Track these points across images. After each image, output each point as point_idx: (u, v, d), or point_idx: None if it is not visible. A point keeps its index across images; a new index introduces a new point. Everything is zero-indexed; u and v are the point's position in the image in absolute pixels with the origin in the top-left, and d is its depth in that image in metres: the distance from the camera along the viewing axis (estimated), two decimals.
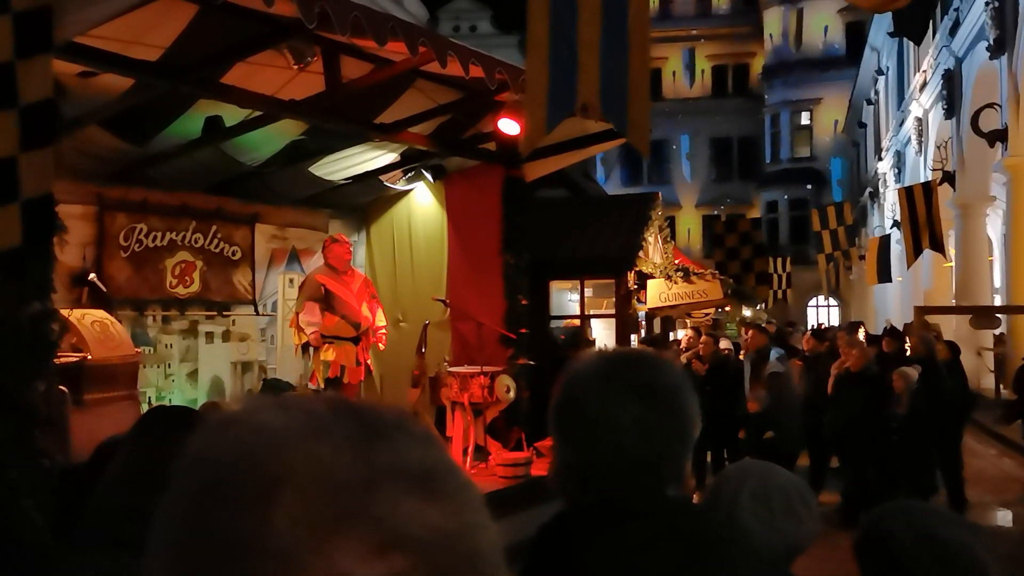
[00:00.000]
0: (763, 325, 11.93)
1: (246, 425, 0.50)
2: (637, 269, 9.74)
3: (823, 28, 34.36)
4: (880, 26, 23.63)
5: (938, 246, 14.32)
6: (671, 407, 1.26)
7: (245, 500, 0.47)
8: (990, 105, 14.17)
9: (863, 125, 31.58)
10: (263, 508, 0.46)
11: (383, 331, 7.73)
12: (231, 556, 0.46)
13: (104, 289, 6.89)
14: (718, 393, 8.34)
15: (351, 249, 7.79)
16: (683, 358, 9.00)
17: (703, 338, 9.44)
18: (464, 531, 0.49)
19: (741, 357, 10.25)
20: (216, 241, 8.11)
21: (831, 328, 17.78)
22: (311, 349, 7.44)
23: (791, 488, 1.78)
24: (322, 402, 0.53)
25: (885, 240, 19.01)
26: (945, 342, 9.13)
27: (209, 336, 8.12)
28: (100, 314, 6.17)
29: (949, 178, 16.41)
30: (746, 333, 9.85)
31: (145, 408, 6.02)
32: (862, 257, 22.55)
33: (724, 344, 10.45)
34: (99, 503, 1.57)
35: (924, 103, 19.95)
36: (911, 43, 18.76)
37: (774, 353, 8.47)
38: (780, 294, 22.52)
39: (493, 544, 0.51)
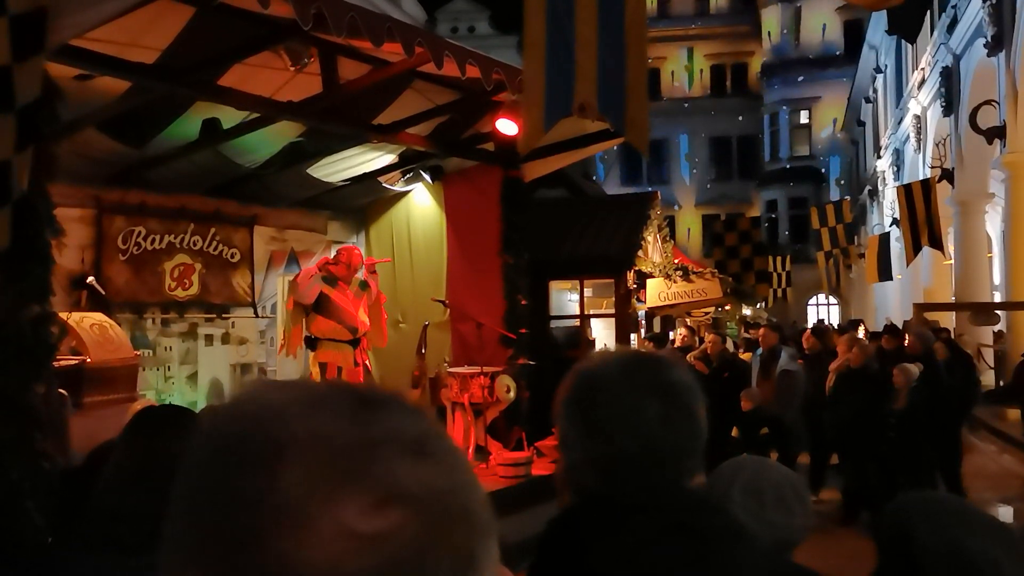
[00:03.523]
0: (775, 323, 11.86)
1: (251, 401, 0.55)
2: (636, 268, 9.74)
3: (821, 26, 34.36)
4: (878, 24, 23.62)
5: (937, 244, 14.33)
6: (687, 405, 1.29)
7: (254, 463, 0.51)
8: (988, 102, 14.16)
9: (862, 123, 31.58)
10: (271, 469, 0.50)
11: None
12: (244, 513, 0.50)
13: (103, 292, 6.89)
14: (725, 393, 8.32)
15: (357, 272, 7.54)
16: (688, 358, 8.95)
17: (710, 337, 9.38)
18: (456, 488, 0.53)
19: (742, 356, 10.24)
20: (215, 243, 8.11)
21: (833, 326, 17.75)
22: (307, 352, 7.46)
23: (784, 482, 1.78)
24: (323, 382, 0.59)
25: (884, 238, 19.01)
26: (945, 340, 9.13)
27: (208, 338, 8.12)
28: (99, 317, 6.17)
29: (948, 175, 16.40)
30: (757, 331, 9.80)
31: None
32: (862, 255, 22.54)
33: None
34: (95, 504, 1.57)
35: (922, 101, 19.94)
36: (907, 42, 18.75)
37: (785, 352, 8.47)
38: (780, 293, 22.50)
39: (483, 502, 0.55)
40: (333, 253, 7.69)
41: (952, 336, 10.89)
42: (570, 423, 1.31)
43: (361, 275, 7.63)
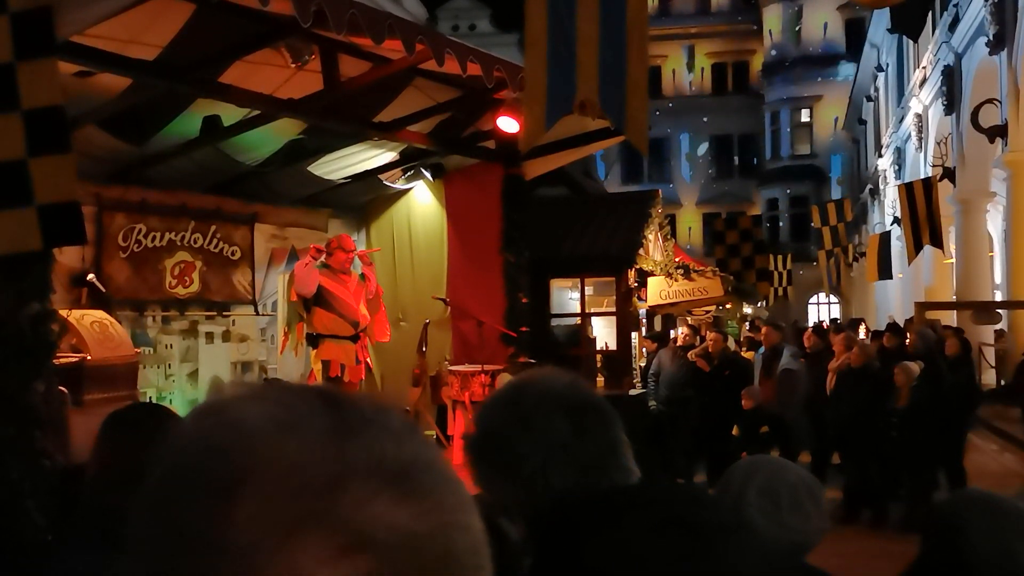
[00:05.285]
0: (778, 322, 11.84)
1: (219, 417, 0.49)
2: (637, 267, 9.73)
3: (823, 25, 34.31)
4: (880, 22, 23.59)
5: (938, 242, 14.30)
6: (584, 399, 1.26)
7: (207, 494, 0.46)
8: (990, 101, 14.12)
9: (863, 122, 31.52)
10: (225, 503, 0.45)
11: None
12: (191, 550, 0.45)
13: (103, 289, 6.88)
14: (727, 391, 8.32)
15: (353, 256, 7.58)
16: (690, 355, 8.95)
17: (712, 335, 9.36)
18: (436, 532, 0.47)
19: (744, 355, 10.22)
20: (215, 241, 8.10)
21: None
22: (308, 350, 7.45)
23: (800, 484, 1.76)
24: (302, 394, 0.51)
25: (885, 237, 18.97)
26: (958, 338, 9.09)
27: (209, 336, 8.12)
28: (99, 315, 6.16)
29: (949, 174, 16.38)
30: (760, 330, 9.79)
31: None
32: (863, 254, 22.52)
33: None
34: (91, 502, 1.56)
35: (924, 99, 19.91)
36: (910, 39, 18.72)
37: (787, 351, 8.46)
38: (781, 291, 22.46)
39: (472, 544, 0.49)
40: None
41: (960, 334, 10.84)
42: (504, 491, 1.26)
43: (359, 268, 7.62)
